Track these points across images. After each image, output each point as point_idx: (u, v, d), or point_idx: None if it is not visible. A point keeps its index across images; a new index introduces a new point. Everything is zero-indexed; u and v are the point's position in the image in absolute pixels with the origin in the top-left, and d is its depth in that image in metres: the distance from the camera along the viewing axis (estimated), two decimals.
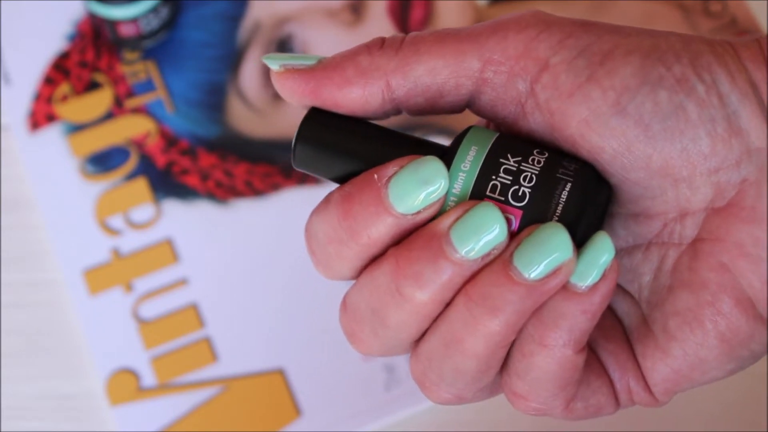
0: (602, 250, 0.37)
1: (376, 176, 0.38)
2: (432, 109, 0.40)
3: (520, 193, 0.38)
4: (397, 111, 0.40)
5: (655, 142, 0.38)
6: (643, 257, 0.40)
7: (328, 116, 0.39)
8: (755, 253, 0.38)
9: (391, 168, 0.38)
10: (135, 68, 0.70)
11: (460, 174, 0.38)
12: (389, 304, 0.39)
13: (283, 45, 0.70)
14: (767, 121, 0.38)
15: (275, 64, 0.40)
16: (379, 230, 0.38)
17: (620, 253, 0.41)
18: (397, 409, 0.63)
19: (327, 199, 0.40)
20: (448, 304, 0.38)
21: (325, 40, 0.71)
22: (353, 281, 0.40)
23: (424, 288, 0.38)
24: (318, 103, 0.39)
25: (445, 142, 0.40)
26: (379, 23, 0.71)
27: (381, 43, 0.39)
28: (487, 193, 0.38)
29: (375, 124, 0.40)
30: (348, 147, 0.39)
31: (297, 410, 0.63)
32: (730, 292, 0.38)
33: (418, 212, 0.38)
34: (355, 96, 0.39)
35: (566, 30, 0.39)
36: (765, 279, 0.38)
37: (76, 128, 0.69)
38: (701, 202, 0.39)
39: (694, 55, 0.38)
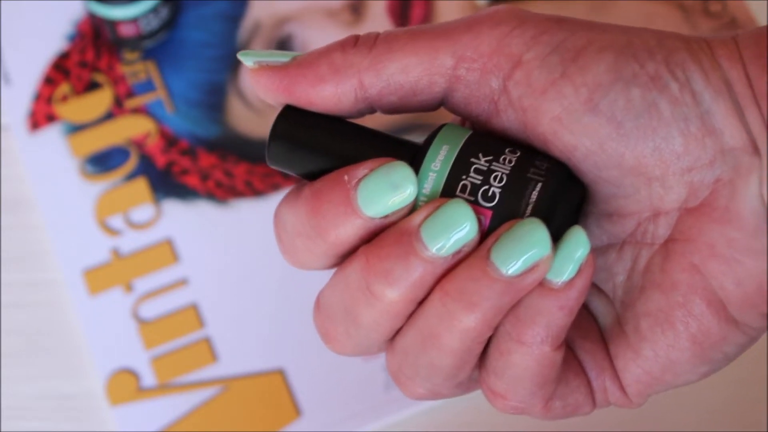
0: (577, 244, 0.37)
1: (346, 177, 0.38)
2: (406, 107, 0.40)
3: (490, 193, 0.38)
4: (372, 109, 0.40)
5: (627, 140, 0.37)
6: (617, 257, 0.40)
7: (302, 114, 0.39)
8: (728, 254, 0.38)
9: (361, 170, 0.38)
10: (135, 68, 0.70)
11: (431, 174, 0.38)
12: (360, 303, 0.38)
13: (283, 45, 0.70)
14: (741, 121, 0.37)
15: (249, 60, 0.40)
16: (347, 231, 0.38)
17: (595, 252, 0.40)
18: (397, 409, 0.63)
19: (296, 192, 0.39)
20: (421, 302, 0.38)
21: (325, 40, 0.70)
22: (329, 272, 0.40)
23: (394, 286, 0.38)
24: (292, 101, 0.39)
25: None
26: (379, 23, 0.71)
27: (355, 41, 0.39)
28: (457, 193, 0.38)
29: (350, 122, 0.40)
30: (321, 145, 0.39)
31: (297, 410, 0.63)
32: (701, 293, 0.38)
33: (386, 216, 0.38)
34: (328, 94, 0.39)
35: (540, 26, 0.38)
36: (737, 281, 0.38)
37: (76, 128, 0.69)
38: (674, 202, 0.38)
39: (669, 53, 0.38)
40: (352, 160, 0.39)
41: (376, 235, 0.38)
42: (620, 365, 0.40)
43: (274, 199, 0.67)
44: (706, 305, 0.38)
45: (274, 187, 0.68)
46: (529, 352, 0.38)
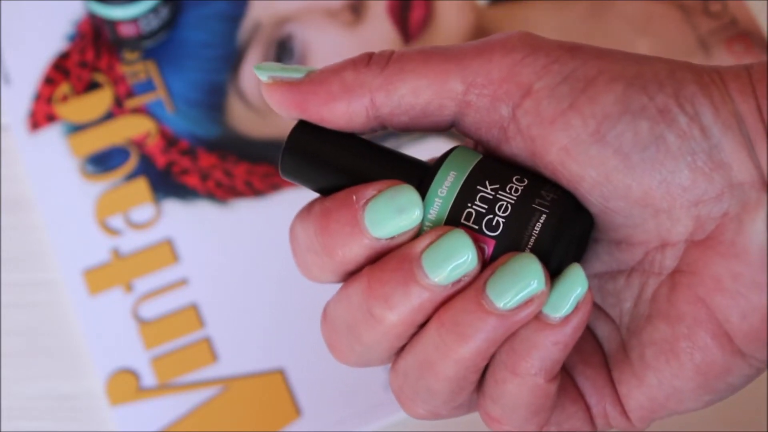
0: (575, 282, 0.37)
1: (354, 197, 0.38)
2: (416, 127, 0.40)
3: (494, 223, 0.38)
4: (383, 127, 0.40)
5: (634, 172, 0.37)
6: (626, 283, 0.40)
7: (315, 129, 0.40)
8: (733, 288, 0.37)
9: (369, 191, 0.38)
10: (135, 68, 0.70)
11: (437, 200, 0.38)
12: (362, 323, 0.39)
13: (283, 45, 0.70)
14: (750, 156, 0.37)
15: (264, 75, 0.40)
16: (354, 251, 0.38)
17: (605, 276, 0.40)
18: (397, 409, 0.63)
19: (309, 208, 0.40)
20: (422, 325, 0.38)
21: (325, 40, 0.71)
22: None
23: (394, 310, 0.38)
24: (304, 117, 0.40)
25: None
26: (379, 23, 0.71)
27: (367, 60, 0.39)
28: (462, 220, 0.38)
29: (361, 139, 0.40)
30: (332, 161, 0.40)
31: (297, 410, 0.63)
32: (706, 326, 0.38)
33: (393, 237, 0.38)
34: (340, 112, 0.39)
35: (552, 54, 0.38)
36: (743, 314, 0.37)
37: (76, 128, 0.69)
38: (681, 234, 0.38)
39: (679, 85, 0.37)
40: (362, 178, 0.39)
41: (381, 256, 0.39)
42: (623, 391, 0.40)
43: (274, 199, 0.67)
44: (711, 337, 0.38)
45: (274, 187, 0.68)
46: (523, 383, 0.38)
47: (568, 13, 0.70)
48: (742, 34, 0.71)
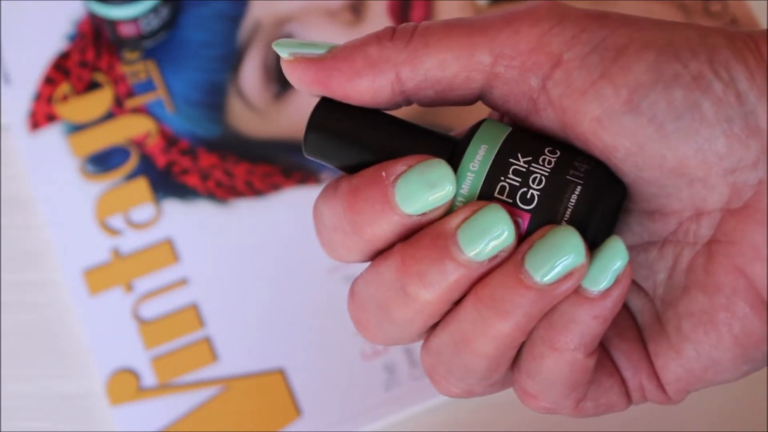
0: (615, 255, 0.37)
1: (384, 173, 0.38)
2: (442, 101, 0.39)
3: (528, 196, 0.37)
4: (408, 102, 0.39)
5: (668, 141, 0.37)
6: (659, 254, 0.40)
7: (339, 106, 0.39)
8: None
9: (399, 166, 0.38)
10: (135, 68, 0.70)
11: (469, 174, 0.38)
12: (394, 301, 0.38)
13: None
14: None
15: (285, 51, 0.39)
16: (383, 228, 0.38)
17: (635, 249, 0.40)
18: (397, 409, 0.63)
19: (335, 186, 0.39)
20: (457, 302, 0.38)
21: (326, 40, 0.70)
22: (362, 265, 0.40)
23: (429, 288, 0.37)
24: (327, 94, 0.39)
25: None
26: (379, 23, 0.71)
27: (391, 34, 0.39)
28: (495, 194, 0.38)
29: (387, 115, 0.39)
30: (358, 137, 0.39)
31: (297, 410, 0.63)
32: (745, 296, 0.38)
33: (424, 213, 0.38)
34: (365, 88, 0.38)
35: (581, 24, 0.38)
36: None
37: (76, 128, 0.69)
38: (717, 203, 0.38)
39: (712, 51, 0.37)
40: (390, 155, 0.38)
41: (412, 233, 0.38)
42: (660, 364, 0.40)
43: (274, 199, 0.67)
44: (750, 307, 0.38)
45: (274, 187, 0.68)
46: (562, 358, 0.38)
47: None
48: None
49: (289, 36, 0.71)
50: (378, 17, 0.71)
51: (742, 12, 0.71)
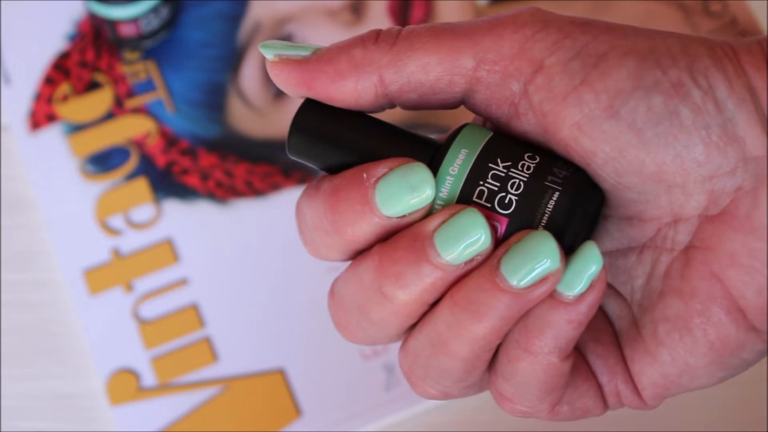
0: (591, 260, 0.37)
1: (365, 175, 0.38)
2: (425, 104, 0.39)
3: (506, 201, 0.38)
4: (392, 105, 0.40)
5: (648, 147, 0.37)
6: (637, 260, 0.40)
7: (323, 107, 0.39)
8: (748, 263, 0.37)
9: (380, 168, 0.38)
10: (135, 68, 0.70)
11: (448, 178, 0.38)
12: (372, 301, 0.38)
13: None
14: (764, 130, 0.37)
15: (270, 53, 0.39)
16: (363, 229, 0.38)
17: (615, 254, 0.40)
18: (397, 409, 0.63)
19: (317, 186, 0.39)
20: (433, 304, 0.38)
21: (325, 40, 0.70)
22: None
23: (405, 289, 0.38)
24: (312, 95, 0.39)
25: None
26: (379, 23, 0.71)
27: (376, 37, 0.39)
28: (474, 198, 0.38)
29: (370, 117, 0.40)
30: (341, 139, 0.39)
31: (297, 410, 0.63)
32: (720, 302, 0.38)
33: (404, 216, 0.38)
34: (348, 90, 0.39)
35: (564, 30, 0.38)
36: (758, 290, 0.37)
37: (76, 128, 0.69)
38: (695, 209, 0.38)
39: (692, 59, 0.37)
40: (372, 157, 0.39)
41: (391, 234, 0.38)
42: (636, 369, 0.40)
43: (274, 199, 0.67)
44: (725, 313, 0.38)
45: (274, 187, 0.68)
46: (536, 361, 0.38)
47: (568, 12, 0.70)
48: (742, 34, 0.71)
49: (289, 36, 0.71)
50: (378, 17, 0.71)
51: (742, 12, 0.71)
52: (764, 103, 0.37)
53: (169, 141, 0.69)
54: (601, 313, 0.41)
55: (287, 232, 0.67)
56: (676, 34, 0.38)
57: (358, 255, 0.39)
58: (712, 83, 0.37)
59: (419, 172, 0.38)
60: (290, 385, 0.64)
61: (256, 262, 0.66)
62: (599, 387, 0.40)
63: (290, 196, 0.67)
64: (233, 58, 0.70)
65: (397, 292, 0.38)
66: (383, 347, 0.64)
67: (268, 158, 0.68)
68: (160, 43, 0.71)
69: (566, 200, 0.37)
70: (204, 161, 0.68)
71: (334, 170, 0.39)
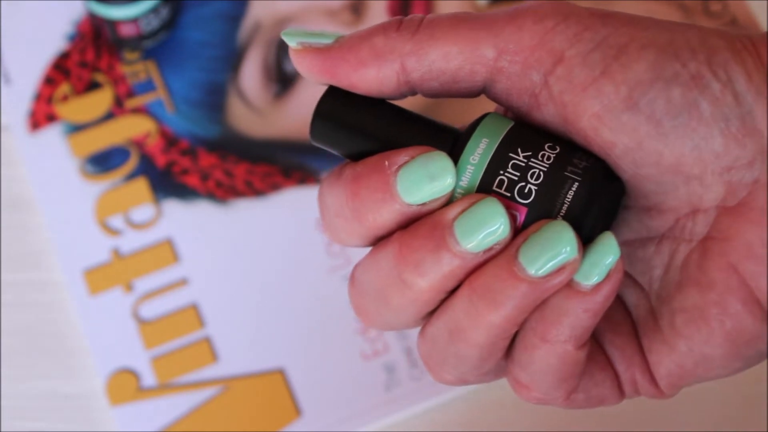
0: (608, 251, 0.37)
1: (386, 163, 0.38)
2: (446, 93, 0.40)
3: (526, 190, 0.38)
4: (414, 92, 0.40)
5: (666, 138, 0.37)
6: (656, 250, 0.40)
7: (345, 95, 0.40)
8: (764, 255, 0.37)
9: (402, 156, 0.38)
10: (135, 68, 0.70)
11: (468, 167, 0.38)
12: (391, 288, 0.39)
13: (284, 45, 0.70)
14: None
15: (293, 41, 0.40)
16: (384, 216, 0.38)
17: (634, 244, 0.40)
18: (397, 409, 0.63)
19: (339, 173, 0.40)
20: (452, 292, 0.39)
21: None
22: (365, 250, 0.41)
23: (424, 277, 0.38)
24: (334, 83, 0.39)
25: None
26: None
27: (398, 25, 0.39)
28: (494, 188, 0.38)
29: (392, 105, 0.40)
30: (363, 126, 0.40)
31: (297, 410, 0.63)
32: (737, 293, 0.38)
33: (424, 204, 0.38)
34: (370, 77, 0.39)
35: (584, 22, 0.38)
36: None
37: (76, 128, 0.69)
38: (713, 201, 0.38)
39: (711, 52, 0.37)
40: (394, 145, 0.39)
41: (411, 222, 0.39)
42: (653, 359, 0.40)
43: (274, 199, 0.67)
44: (741, 305, 0.38)
45: (274, 187, 0.68)
46: (552, 350, 0.38)
47: None
48: None
49: None
50: (378, 17, 0.71)
51: (741, 12, 0.71)
52: None
53: (169, 141, 0.69)
54: (619, 302, 0.41)
55: (287, 232, 0.67)
56: (695, 27, 0.38)
57: (378, 242, 0.40)
58: (731, 76, 0.37)
59: (440, 160, 0.38)
60: (290, 385, 0.64)
61: (256, 262, 0.66)
62: (616, 376, 0.41)
63: (290, 196, 0.67)
64: (233, 58, 0.70)
65: (416, 280, 0.38)
66: (383, 347, 0.64)
67: (268, 158, 0.68)
68: (160, 43, 0.71)
69: (585, 191, 0.38)
70: (204, 161, 0.68)
71: (355, 157, 0.40)
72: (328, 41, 0.39)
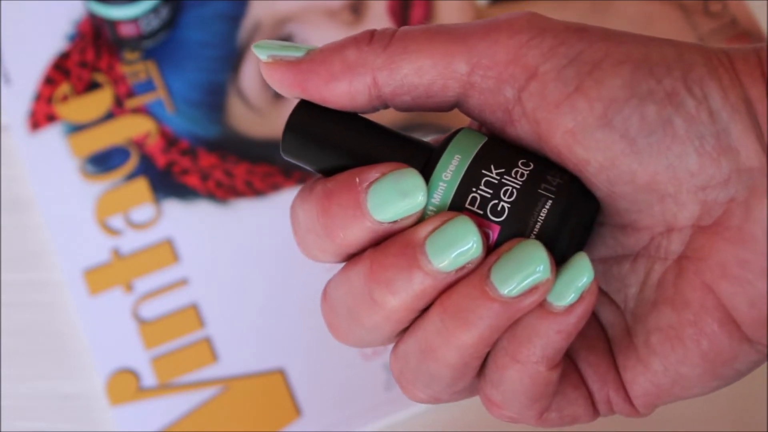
0: (581, 271, 0.37)
1: (357, 179, 0.38)
2: (419, 107, 0.39)
3: (499, 208, 0.37)
4: (386, 106, 0.39)
5: (640, 157, 0.37)
6: (631, 268, 0.40)
7: (317, 108, 0.39)
8: (740, 274, 0.37)
9: (372, 173, 0.38)
10: (135, 68, 0.70)
11: (441, 184, 0.38)
12: (362, 306, 0.38)
13: None
14: (759, 141, 0.36)
15: (263, 53, 0.39)
16: (355, 234, 0.38)
17: (609, 261, 0.40)
18: (397, 409, 0.63)
19: (310, 188, 0.39)
20: (424, 310, 0.38)
21: (325, 40, 0.70)
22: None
23: (395, 295, 0.37)
24: (305, 97, 0.39)
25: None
26: (379, 23, 0.71)
27: (370, 38, 0.39)
28: (467, 205, 0.37)
29: (364, 119, 0.39)
30: (334, 141, 0.39)
31: (297, 410, 0.63)
32: (713, 313, 0.38)
33: (396, 221, 0.38)
34: (342, 91, 0.38)
35: (559, 37, 0.37)
36: (750, 301, 0.37)
37: (76, 128, 0.69)
38: (688, 219, 0.38)
39: (687, 68, 0.37)
40: (365, 160, 0.38)
41: (383, 239, 0.38)
42: (628, 377, 0.40)
43: (274, 199, 0.67)
44: (717, 324, 0.38)
45: (274, 187, 0.68)
46: (524, 369, 0.38)
47: (568, 12, 0.70)
48: (742, 34, 0.71)
49: (289, 36, 0.71)
50: (378, 17, 0.71)
51: (741, 12, 0.71)
52: (760, 113, 0.36)
53: (169, 141, 0.69)
54: (594, 320, 0.41)
55: (287, 232, 0.66)
56: (672, 42, 0.38)
57: (350, 258, 0.39)
58: (707, 93, 0.37)
59: (411, 177, 0.37)
60: (290, 385, 0.64)
61: (256, 262, 0.66)
62: (589, 395, 0.40)
63: (290, 197, 0.67)
64: (233, 58, 0.70)
65: (387, 298, 0.37)
66: (384, 347, 0.64)
67: (268, 158, 0.68)
68: (160, 43, 0.71)
69: (559, 208, 0.37)
70: (204, 161, 0.68)
71: (327, 172, 0.39)
72: (299, 54, 0.39)
